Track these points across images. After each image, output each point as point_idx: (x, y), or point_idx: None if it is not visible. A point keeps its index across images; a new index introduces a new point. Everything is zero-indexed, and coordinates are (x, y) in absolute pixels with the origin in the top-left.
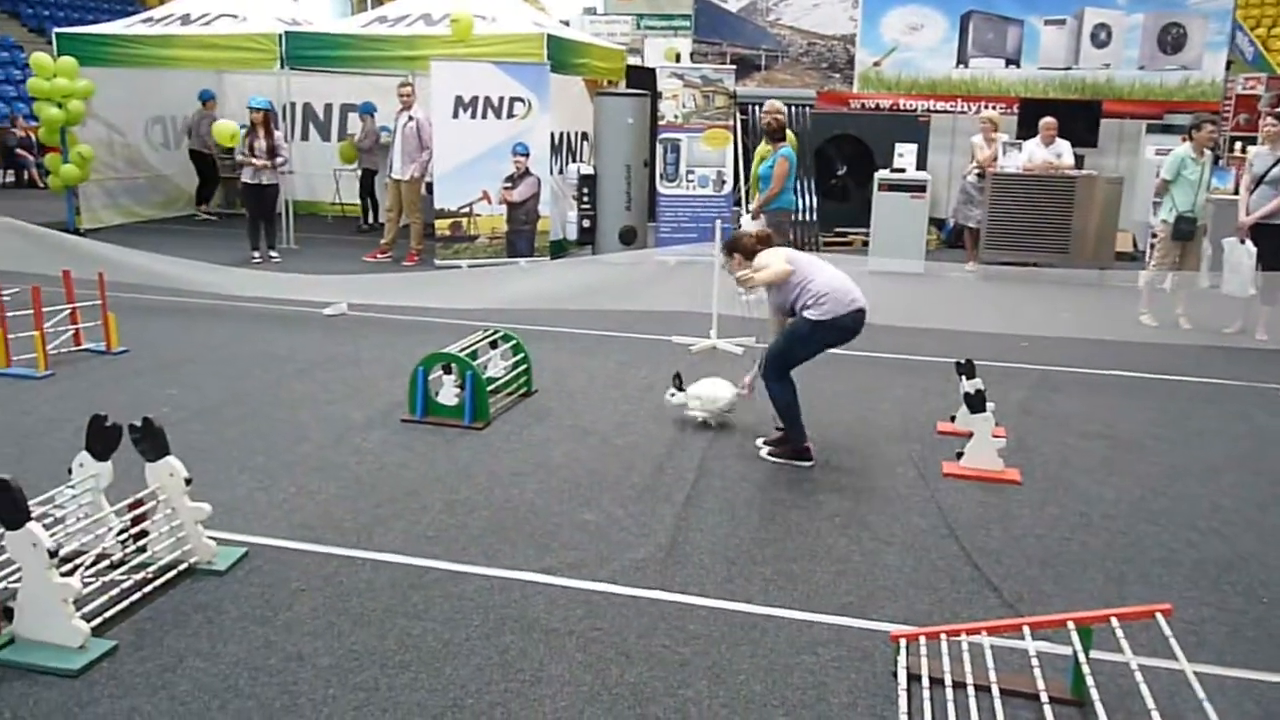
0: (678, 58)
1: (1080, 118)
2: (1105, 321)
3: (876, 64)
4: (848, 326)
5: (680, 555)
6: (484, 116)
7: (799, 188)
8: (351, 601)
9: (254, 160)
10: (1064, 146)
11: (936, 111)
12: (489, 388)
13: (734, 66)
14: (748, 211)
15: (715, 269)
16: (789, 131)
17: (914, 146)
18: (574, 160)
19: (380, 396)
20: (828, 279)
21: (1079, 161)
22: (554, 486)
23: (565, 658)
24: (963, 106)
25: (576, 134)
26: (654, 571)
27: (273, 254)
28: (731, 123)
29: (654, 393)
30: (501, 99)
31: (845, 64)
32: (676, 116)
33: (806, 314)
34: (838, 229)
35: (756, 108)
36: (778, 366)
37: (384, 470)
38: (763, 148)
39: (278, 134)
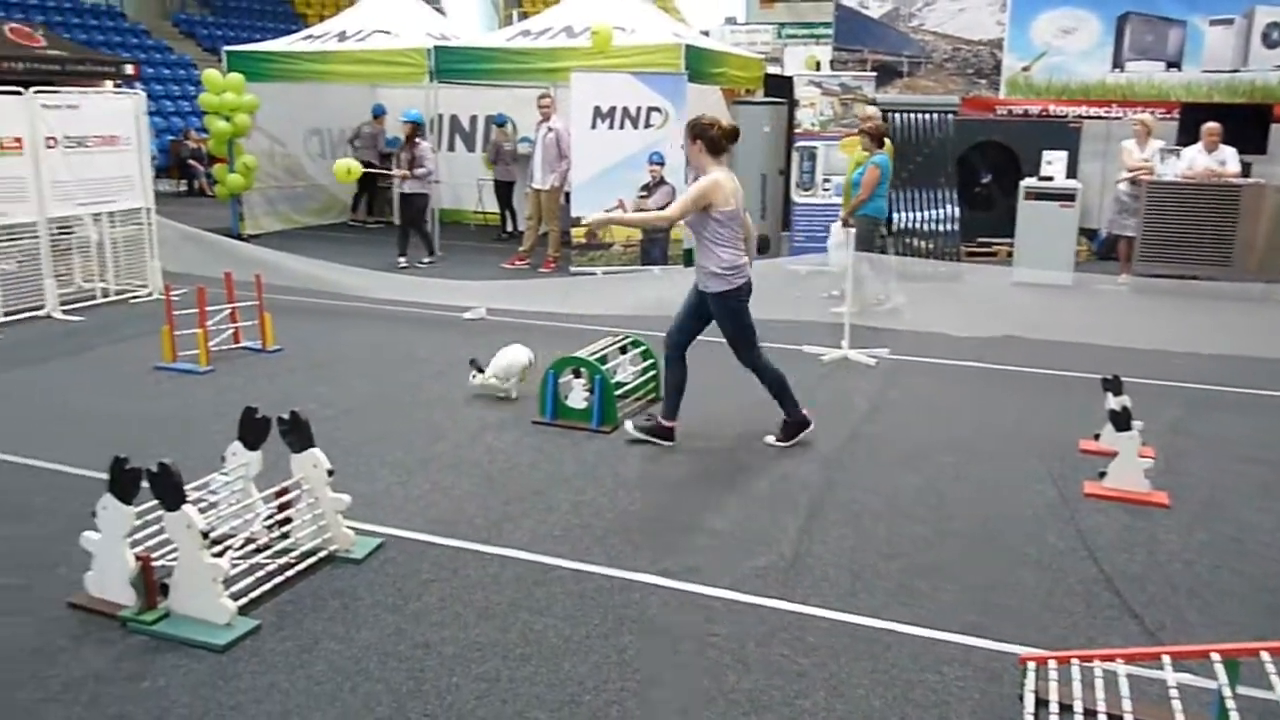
0: (818, 66)
1: (1248, 123)
2: (1271, 339)
3: (1025, 69)
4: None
5: (802, 565)
6: (621, 126)
7: (914, 198)
8: (477, 594)
9: (402, 171)
10: (1229, 153)
11: (1089, 117)
12: (617, 392)
13: (874, 73)
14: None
15: (848, 279)
16: (887, 140)
17: (1064, 154)
18: None
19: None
20: (735, 250)
21: (1245, 169)
22: (678, 492)
23: (682, 661)
24: (1118, 112)
25: None
26: (775, 580)
27: (426, 260)
28: None
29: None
30: (639, 109)
31: (991, 69)
32: (814, 124)
33: (715, 286)
34: (981, 239)
35: (897, 115)
36: (746, 346)
37: (514, 469)
38: (858, 154)
39: (423, 145)
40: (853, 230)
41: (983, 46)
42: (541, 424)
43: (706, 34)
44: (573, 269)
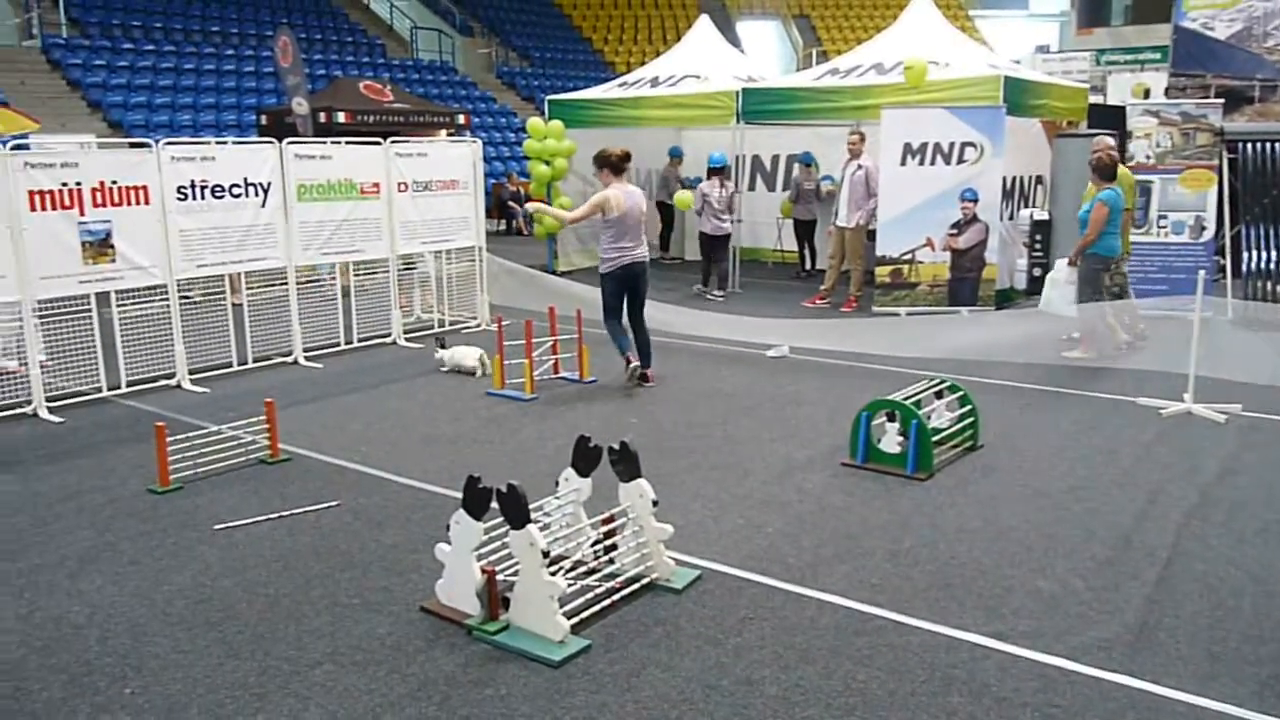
0: (1147, 94)
1: None
2: None
3: None
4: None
5: (1151, 639)
6: (933, 163)
7: (1268, 236)
8: (797, 637)
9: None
10: None
11: None
12: (934, 438)
13: (1221, 100)
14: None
15: (1195, 324)
16: (1120, 169)
17: None
18: (1026, 205)
19: (821, 438)
20: (617, 245)
21: None
22: (1003, 548)
23: None
24: None
25: (1030, 178)
26: (1120, 654)
27: (718, 293)
28: (1216, 162)
29: (1117, 457)
30: (952, 144)
31: None
32: (1149, 157)
33: (602, 268)
34: None
35: (1248, 145)
36: (608, 312)
37: (825, 511)
38: (1089, 188)
39: (729, 186)
40: (1074, 270)
41: None
42: (851, 466)
43: (1018, 63)
44: (875, 309)
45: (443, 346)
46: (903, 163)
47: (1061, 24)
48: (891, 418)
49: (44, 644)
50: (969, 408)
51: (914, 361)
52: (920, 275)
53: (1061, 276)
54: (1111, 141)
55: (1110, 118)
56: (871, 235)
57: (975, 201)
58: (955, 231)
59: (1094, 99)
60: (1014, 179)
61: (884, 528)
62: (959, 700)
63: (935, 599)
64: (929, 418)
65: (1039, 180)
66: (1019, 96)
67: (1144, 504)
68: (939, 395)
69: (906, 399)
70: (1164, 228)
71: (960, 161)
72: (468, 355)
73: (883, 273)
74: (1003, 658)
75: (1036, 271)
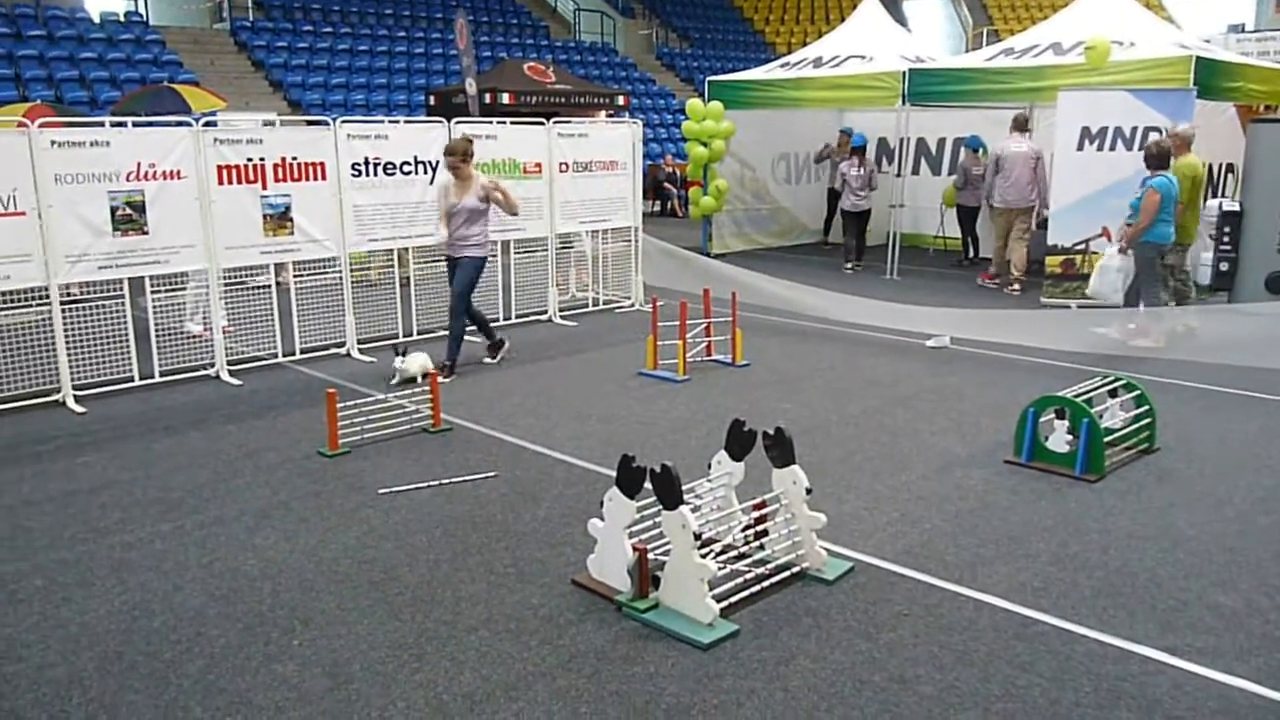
0: None
1: None
2: None
3: None
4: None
5: None
6: (1112, 148)
7: None
8: (954, 637)
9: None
10: None
11: None
12: (1106, 439)
13: None
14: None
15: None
16: (1187, 156)
17: None
18: (1215, 195)
19: (982, 434)
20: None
21: None
22: (1180, 558)
23: None
24: None
25: (1221, 166)
26: None
27: (849, 266)
28: None
29: None
30: (1134, 129)
31: None
32: None
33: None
34: None
35: None
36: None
37: (987, 510)
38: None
39: (869, 163)
40: (1129, 257)
41: None
42: (1015, 464)
43: (1208, 43)
44: (1044, 299)
45: (403, 355)
46: (1079, 147)
47: (1258, 1)
48: (1061, 415)
49: (223, 594)
50: (1145, 408)
51: (1085, 358)
52: (1094, 267)
53: (1113, 265)
54: (1185, 129)
55: None
56: (1045, 223)
57: None
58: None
59: None
60: (1203, 167)
61: (1049, 530)
62: (1127, 715)
63: (1103, 607)
64: (1101, 416)
65: (1230, 169)
66: (1211, 78)
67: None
68: (1113, 394)
69: (1077, 396)
70: None
71: (1144, 148)
72: (413, 361)
73: (1053, 263)
74: (1177, 674)
75: (1224, 266)
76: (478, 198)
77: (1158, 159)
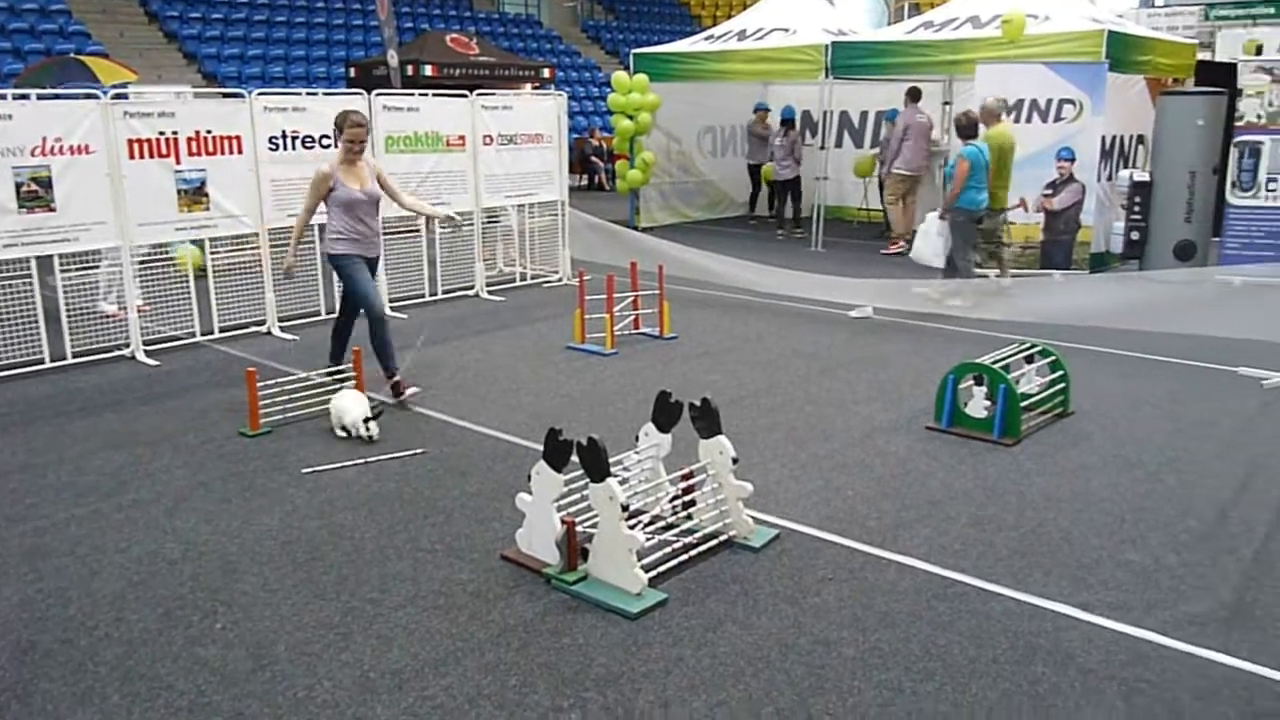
0: (1259, 50)
1: None
2: None
3: None
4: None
5: (1248, 617)
6: (1028, 120)
7: None
8: (876, 599)
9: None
10: None
11: None
12: (1022, 404)
13: None
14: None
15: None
16: (998, 126)
17: None
18: (1126, 166)
19: (904, 401)
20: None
21: None
22: (1092, 517)
23: (1104, 703)
24: None
25: (1131, 137)
26: (1215, 630)
27: (797, 231)
28: None
29: (1217, 429)
30: (1049, 101)
31: None
32: (1260, 116)
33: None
34: None
35: None
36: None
37: (908, 475)
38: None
39: (793, 134)
40: (944, 223)
41: None
42: (936, 430)
43: (1121, 18)
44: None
45: (376, 418)
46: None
47: None
48: (979, 381)
49: (141, 578)
50: (1060, 373)
51: (1003, 325)
52: (1011, 236)
53: (932, 229)
54: (993, 100)
55: (1217, 75)
56: None
57: (1072, 161)
58: (1050, 192)
59: (1202, 55)
60: (1114, 138)
61: (968, 493)
62: (1042, 670)
63: (1019, 567)
64: (1018, 382)
65: (1140, 140)
66: (1122, 52)
67: (1243, 477)
68: (1029, 360)
69: (995, 363)
70: (1273, 191)
71: (1058, 119)
72: (344, 404)
73: None
74: (1089, 629)
75: (1135, 235)
76: (375, 181)
77: (968, 129)
